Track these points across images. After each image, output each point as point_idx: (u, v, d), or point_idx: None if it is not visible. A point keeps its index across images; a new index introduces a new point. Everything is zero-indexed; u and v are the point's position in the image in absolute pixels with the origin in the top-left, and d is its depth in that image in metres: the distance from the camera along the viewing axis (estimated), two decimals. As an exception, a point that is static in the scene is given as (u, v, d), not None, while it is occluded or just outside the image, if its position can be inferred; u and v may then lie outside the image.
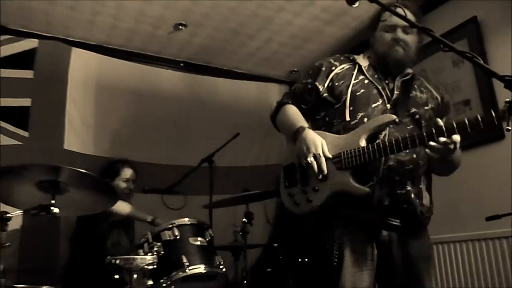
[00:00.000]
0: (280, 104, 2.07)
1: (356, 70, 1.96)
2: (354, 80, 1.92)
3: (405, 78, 1.94)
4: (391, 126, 1.78)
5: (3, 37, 3.76)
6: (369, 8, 1.69)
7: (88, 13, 3.73)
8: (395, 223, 1.77)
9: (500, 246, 2.87)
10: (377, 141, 1.75)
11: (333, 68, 1.99)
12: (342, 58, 2.03)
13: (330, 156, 1.79)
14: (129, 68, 4.26)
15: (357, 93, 1.89)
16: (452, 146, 1.60)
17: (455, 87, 3.31)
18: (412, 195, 1.79)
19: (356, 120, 1.84)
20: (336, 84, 1.93)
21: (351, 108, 1.87)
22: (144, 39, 4.14)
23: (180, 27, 3.95)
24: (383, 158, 1.74)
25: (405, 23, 1.85)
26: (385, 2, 1.62)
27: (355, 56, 2.02)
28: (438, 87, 2.01)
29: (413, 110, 1.85)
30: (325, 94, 1.94)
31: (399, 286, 1.84)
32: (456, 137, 1.59)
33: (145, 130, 4.15)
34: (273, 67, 4.77)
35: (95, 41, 4.12)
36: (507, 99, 1.34)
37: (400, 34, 1.91)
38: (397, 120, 1.77)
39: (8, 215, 2.11)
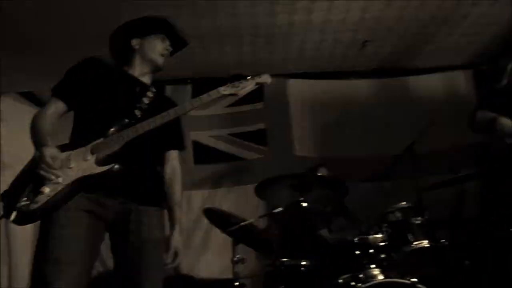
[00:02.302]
0: None
1: None
2: None
3: None
4: None
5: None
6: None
7: (297, 51, 4.03)
8: None
9: None
10: None
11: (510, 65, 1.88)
12: None
13: None
14: (330, 85, 4.41)
15: None
16: None
17: None
18: None
19: None
20: None
21: None
22: (340, 59, 4.24)
23: (366, 43, 3.95)
24: None
25: None
26: None
27: None
28: None
29: None
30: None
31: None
32: None
33: (351, 132, 4.24)
34: (457, 55, 4.35)
35: (303, 69, 4.39)
36: None
37: None
38: None
39: (275, 211, 2.43)
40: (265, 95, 4.29)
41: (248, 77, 1.78)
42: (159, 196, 1.82)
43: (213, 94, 1.74)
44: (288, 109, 4.27)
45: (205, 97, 1.75)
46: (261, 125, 4.27)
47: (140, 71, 1.88)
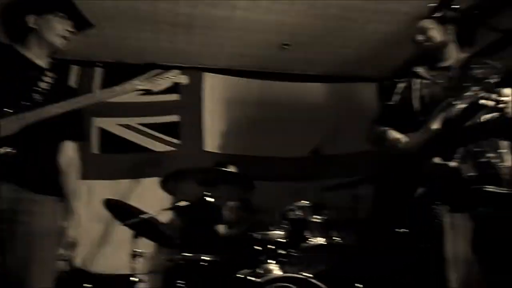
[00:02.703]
0: None
1: (417, 78, 2.02)
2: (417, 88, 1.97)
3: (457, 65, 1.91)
4: None
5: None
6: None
7: (215, 45, 4.01)
8: None
9: None
10: None
11: (401, 84, 2.12)
12: (407, 72, 2.12)
13: None
14: (247, 84, 4.47)
15: (421, 97, 1.94)
16: None
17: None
18: None
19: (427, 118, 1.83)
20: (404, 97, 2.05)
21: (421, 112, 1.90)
22: (258, 59, 4.30)
23: (285, 46, 4.07)
24: None
25: (420, 26, 2.01)
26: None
27: (415, 68, 2.08)
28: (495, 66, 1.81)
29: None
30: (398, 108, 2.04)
31: None
32: None
33: (264, 131, 4.32)
34: (364, 68, 4.68)
35: (220, 66, 4.38)
36: None
37: (418, 37, 2.03)
38: None
39: (179, 204, 2.39)
40: (180, 87, 4.18)
41: (166, 76, 1.81)
42: (55, 185, 1.68)
43: (128, 88, 1.71)
44: (202, 103, 4.23)
45: (119, 90, 1.73)
46: (174, 118, 4.17)
47: (36, 53, 1.72)
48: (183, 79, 1.80)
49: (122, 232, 2.74)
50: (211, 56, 4.19)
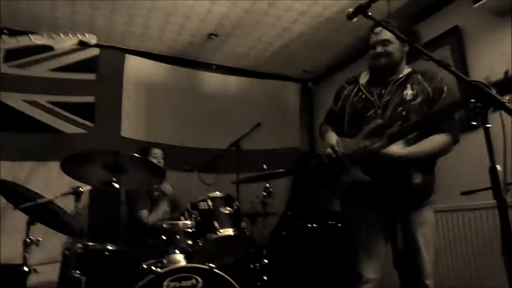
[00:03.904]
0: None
1: (356, 88, 2.06)
2: (354, 97, 2.04)
3: (399, 81, 1.96)
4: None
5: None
6: (369, 22, 1.70)
7: (140, 27, 3.83)
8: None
9: (474, 217, 2.89)
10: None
11: (344, 90, 2.13)
12: (351, 79, 2.14)
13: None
14: (172, 70, 4.35)
15: (356, 108, 2.01)
16: None
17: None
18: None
19: (356, 129, 1.96)
20: (344, 103, 2.09)
21: (351, 120, 2.01)
22: (184, 47, 4.21)
23: (212, 36, 4.01)
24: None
25: (383, 38, 1.95)
26: (378, 18, 1.66)
27: (361, 75, 2.10)
28: (432, 78, 1.95)
29: (400, 109, 1.88)
30: (339, 113, 2.11)
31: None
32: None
33: (184, 121, 4.25)
34: (289, 68, 4.79)
35: (145, 49, 4.21)
36: (472, 100, 1.36)
37: (379, 49, 1.97)
38: (380, 122, 1.87)
39: (80, 189, 2.23)
40: (99, 66, 3.95)
41: (72, 33, 1.61)
42: None
43: (22, 40, 1.51)
44: (121, 86, 4.01)
45: (12, 41, 1.51)
46: (90, 99, 3.90)
47: None
48: (92, 39, 1.63)
49: (19, 218, 2.51)
50: (134, 37, 3.99)
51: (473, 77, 1.83)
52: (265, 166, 2.67)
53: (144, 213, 3.02)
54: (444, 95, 1.91)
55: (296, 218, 3.39)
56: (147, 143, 3.80)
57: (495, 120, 1.27)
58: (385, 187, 1.86)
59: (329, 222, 2.87)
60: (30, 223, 2.30)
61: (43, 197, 2.26)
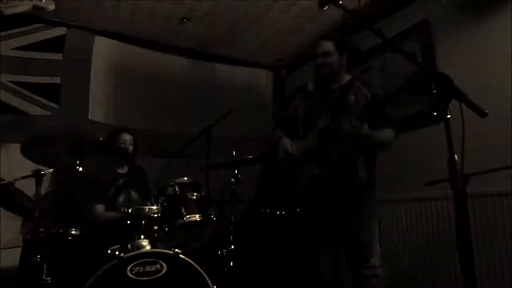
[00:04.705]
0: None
1: (306, 96, 2.31)
2: (305, 104, 2.28)
3: (341, 88, 2.20)
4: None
5: (36, 25, 3.74)
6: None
7: (110, 7, 3.70)
8: None
9: (436, 207, 2.97)
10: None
11: (295, 98, 2.37)
12: (300, 87, 2.38)
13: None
14: (143, 54, 4.24)
15: (306, 112, 2.25)
16: None
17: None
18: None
19: (310, 133, 2.19)
20: (296, 109, 2.31)
21: (304, 125, 2.23)
22: (156, 30, 4.11)
23: (185, 20, 3.93)
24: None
25: (324, 50, 2.21)
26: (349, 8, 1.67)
27: (308, 83, 2.33)
28: (371, 85, 2.20)
29: (345, 112, 2.07)
30: (291, 118, 2.32)
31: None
32: None
33: (155, 106, 4.17)
34: (262, 55, 4.77)
35: (115, 30, 4.07)
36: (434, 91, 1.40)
37: (320, 60, 2.21)
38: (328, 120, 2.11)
39: (42, 172, 2.15)
40: (66, 46, 3.80)
41: None
42: None
43: None
44: (89, 68, 3.88)
45: None
46: (55, 79, 3.75)
47: None
48: (49, 4, 1.52)
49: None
50: (104, 18, 3.85)
51: (440, 70, 1.89)
52: (234, 153, 2.65)
53: (98, 207, 2.89)
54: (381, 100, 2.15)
55: (264, 205, 3.41)
56: (116, 127, 3.71)
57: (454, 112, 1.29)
58: (337, 180, 2.10)
59: (298, 210, 2.90)
60: (-12, 207, 2.22)
61: (3, 179, 2.18)
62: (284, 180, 2.25)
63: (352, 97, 2.14)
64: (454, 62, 3.00)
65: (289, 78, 5.15)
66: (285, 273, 3.18)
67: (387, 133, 2.11)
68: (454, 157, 1.28)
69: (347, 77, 2.27)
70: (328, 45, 2.20)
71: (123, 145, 3.03)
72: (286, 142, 2.27)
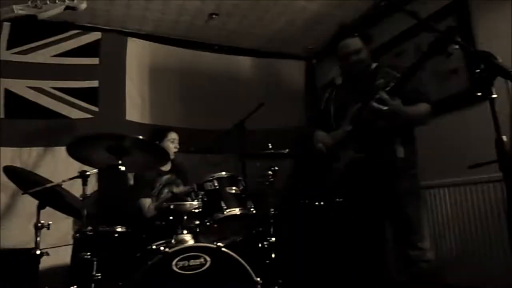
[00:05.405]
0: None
1: (335, 90, 2.40)
2: (335, 97, 2.35)
3: (370, 75, 2.19)
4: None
5: (71, 31, 3.88)
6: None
7: (140, 9, 3.77)
8: None
9: (482, 190, 2.86)
10: None
11: (324, 94, 2.46)
12: (327, 83, 2.43)
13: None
14: (174, 52, 4.31)
15: (337, 105, 2.29)
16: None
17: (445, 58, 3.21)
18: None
19: (340, 122, 2.22)
20: (326, 105, 2.39)
21: (336, 117, 2.27)
22: (185, 28, 4.15)
23: (213, 16, 3.95)
24: None
25: (355, 48, 2.19)
26: None
27: (335, 78, 2.30)
28: (399, 67, 2.14)
29: (378, 95, 1.99)
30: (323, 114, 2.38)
31: None
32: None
33: (188, 103, 4.23)
34: (292, 46, 4.72)
35: (146, 31, 4.16)
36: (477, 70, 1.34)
37: (352, 58, 2.20)
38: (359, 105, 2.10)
39: (87, 173, 2.24)
40: (101, 50, 3.92)
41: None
42: None
43: (5, 12, 1.41)
44: (124, 70, 3.99)
45: None
46: (94, 83, 3.88)
47: None
48: (81, 3, 1.54)
49: (28, 203, 2.54)
50: (134, 20, 3.94)
51: (480, 48, 1.82)
52: (270, 146, 2.65)
53: (145, 201, 3.01)
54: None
55: (303, 196, 3.39)
56: (160, 126, 3.79)
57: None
58: (376, 161, 2.08)
59: (337, 200, 2.88)
60: (39, 208, 2.34)
61: (51, 181, 2.28)
62: (320, 171, 2.25)
63: (382, 80, 2.11)
64: (493, 39, 2.85)
65: (320, 66, 5.07)
66: (325, 263, 3.17)
67: (421, 107, 2.07)
68: (502, 138, 1.22)
69: (373, 65, 2.29)
70: (356, 42, 2.19)
71: (172, 144, 3.14)
72: (321, 133, 2.31)
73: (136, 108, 4.00)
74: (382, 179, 2.11)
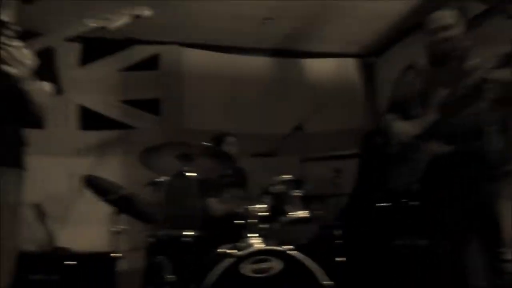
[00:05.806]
0: None
1: (418, 73, 2.08)
2: (418, 81, 2.06)
3: (459, 56, 1.91)
4: None
5: (132, 47, 4.08)
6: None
7: (192, 19, 3.87)
8: None
9: None
10: None
11: (403, 78, 2.18)
12: (407, 66, 2.16)
13: None
14: (229, 59, 4.38)
15: (420, 90, 2.02)
16: None
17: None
18: None
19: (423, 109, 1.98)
20: (407, 89, 2.12)
21: (419, 103, 2.01)
22: (238, 34, 4.18)
23: (266, 21, 3.96)
24: None
25: (445, 24, 1.90)
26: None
27: (417, 59, 2.10)
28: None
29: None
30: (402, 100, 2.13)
31: None
32: None
33: (244, 108, 4.28)
34: (347, 44, 4.61)
35: (201, 40, 4.24)
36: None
37: (438, 36, 1.92)
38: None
39: (158, 180, 2.33)
40: (160, 63, 4.10)
41: (123, 10, 1.56)
42: (18, 156, 1.57)
43: (79, 28, 1.46)
44: (183, 79, 4.14)
45: (70, 30, 1.46)
46: (155, 94, 4.08)
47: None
48: (145, 10, 1.60)
49: (103, 209, 2.70)
50: (187, 30, 4.05)
51: None
52: (332, 148, 2.61)
53: (211, 201, 3.07)
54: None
55: (368, 198, 3.29)
56: (217, 132, 3.88)
57: None
58: (466, 154, 1.84)
59: (403, 200, 2.77)
60: (115, 214, 2.47)
61: (125, 189, 2.41)
62: (395, 168, 2.08)
63: (477, 60, 1.86)
64: None
65: (378, 63, 4.91)
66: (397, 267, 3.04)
67: None
68: None
69: (467, 43, 1.97)
70: (449, 16, 1.90)
71: (230, 147, 3.19)
72: (399, 125, 2.07)
73: (194, 115, 4.13)
74: (473, 176, 1.86)
